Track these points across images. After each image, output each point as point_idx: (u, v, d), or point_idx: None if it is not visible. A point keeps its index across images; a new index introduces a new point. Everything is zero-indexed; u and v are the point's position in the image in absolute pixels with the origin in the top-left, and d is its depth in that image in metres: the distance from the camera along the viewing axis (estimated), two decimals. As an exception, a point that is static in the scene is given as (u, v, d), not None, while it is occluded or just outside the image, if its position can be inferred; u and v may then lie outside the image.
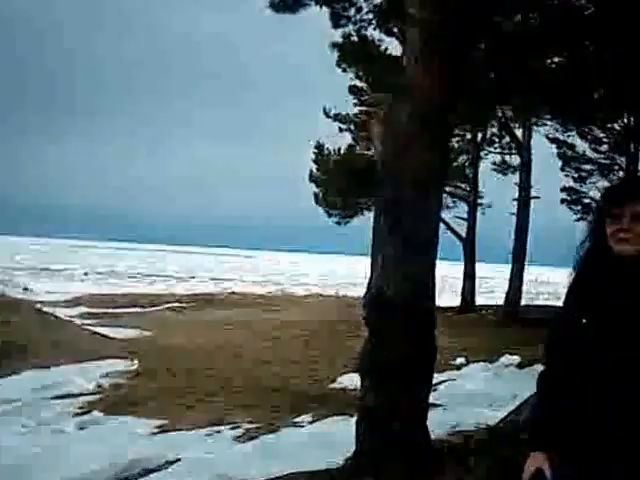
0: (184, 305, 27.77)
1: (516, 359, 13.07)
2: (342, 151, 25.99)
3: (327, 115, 25.66)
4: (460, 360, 13.70)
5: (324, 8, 12.65)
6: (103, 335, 16.74)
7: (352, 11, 12.83)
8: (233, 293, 37.02)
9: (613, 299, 2.51)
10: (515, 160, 25.77)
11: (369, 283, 6.39)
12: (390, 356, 6.01)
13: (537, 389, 2.84)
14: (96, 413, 9.62)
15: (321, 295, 37.04)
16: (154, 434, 8.58)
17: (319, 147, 26.34)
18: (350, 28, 14.03)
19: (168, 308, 26.67)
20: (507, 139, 25.84)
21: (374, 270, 6.31)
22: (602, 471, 2.45)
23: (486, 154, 26.88)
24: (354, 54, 18.41)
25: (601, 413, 2.45)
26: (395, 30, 14.53)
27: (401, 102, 6.32)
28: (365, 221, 26.59)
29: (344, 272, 77.69)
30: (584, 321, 2.56)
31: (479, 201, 26.54)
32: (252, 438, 8.02)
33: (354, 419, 6.89)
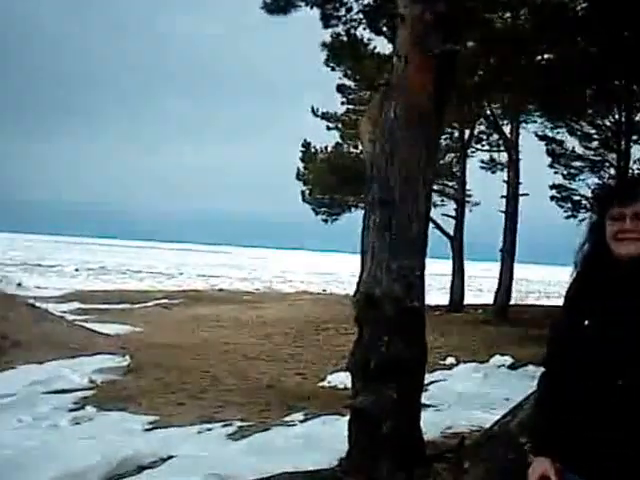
0: (173, 301, 27.73)
1: (507, 360, 13.01)
2: (329, 149, 26.06)
3: (315, 114, 25.75)
4: (450, 360, 13.65)
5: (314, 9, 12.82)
6: (94, 331, 16.70)
7: (342, 11, 12.95)
8: (221, 290, 37.04)
9: (615, 301, 2.52)
10: (503, 157, 25.80)
11: (358, 282, 6.42)
12: (380, 356, 6.04)
13: (538, 392, 2.83)
14: (89, 408, 9.61)
15: (308, 292, 37.05)
16: (147, 430, 8.57)
17: (306, 145, 26.40)
18: (340, 28, 14.15)
19: (158, 304, 26.63)
20: (495, 136, 25.88)
21: (364, 269, 6.34)
22: (611, 476, 2.44)
23: (474, 152, 26.93)
24: (343, 53, 18.48)
25: (609, 417, 2.44)
26: (384, 29, 14.58)
27: (391, 101, 6.35)
28: (352, 219, 26.69)
29: (331, 269, 77.70)
30: (586, 323, 2.57)
31: (467, 199, 26.57)
32: (244, 436, 8.04)
33: (345, 418, 6.91)
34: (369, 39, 17.37)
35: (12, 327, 14.38)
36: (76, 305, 25.15)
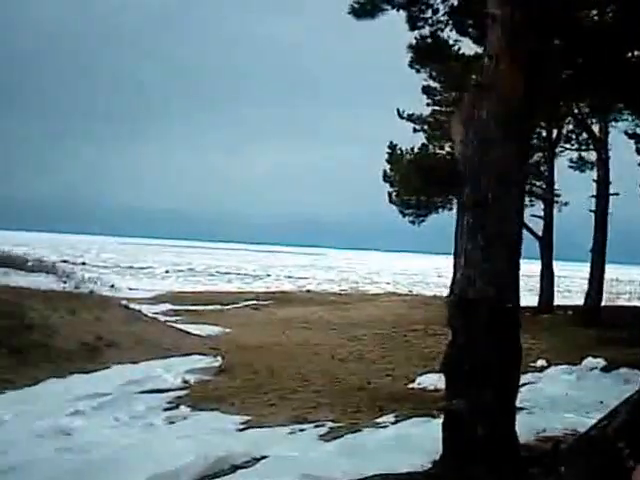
0: (262, 303, 27.94)
1: (600, 362, 12.58)
2: (415, 151, 25.93)
3: (400, 116, 25.68)
4: (541, 362, 13.30)
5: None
6: (186, 332, 16.97)
7: (428, 13, 12.86)
8: (309, 291, 37.22)
9: None
10: (592, 156, 25.19)
11: (452, 283, 6.34)
12: (475, 358, 5.94)
13: (638, 395, 2.73)
14: (183, 408, 9.79)
15: (395, 293, 36.87)
16: (239, 430, 8.66)
17: (392, 147, 26.31)
18: (426, 30, 14.02)
19: (247, 306, 26.87)
20: (584, 135, 25.31)
21: (458, 270, 6.25)
22: None
23: (562, 151, 26.39)
24: (429, 55, 18.33)
25: None
26: (470, 30, 14.40)
27: (482, 101, 6.26)
28: (439, 220, 26.53)
29: (416, 270, 77.38)
30: None
31: (555, 199, 26.05)
32: (336, 437, 8.01)
33: (436, 420, 6.83)
34: (456, 40, 17.18)
35: (107, 328, 14.75)
36: (167, 306, 25.60)
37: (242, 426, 8.81)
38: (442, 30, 14.41)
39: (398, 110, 25.44)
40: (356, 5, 11.71)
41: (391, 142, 26.02)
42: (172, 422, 9.14)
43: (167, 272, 54.22)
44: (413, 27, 13.51)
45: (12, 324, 13.62)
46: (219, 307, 26.19)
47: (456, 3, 12.85)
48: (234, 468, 7.04)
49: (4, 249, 33.25)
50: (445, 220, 26.89)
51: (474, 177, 6.14)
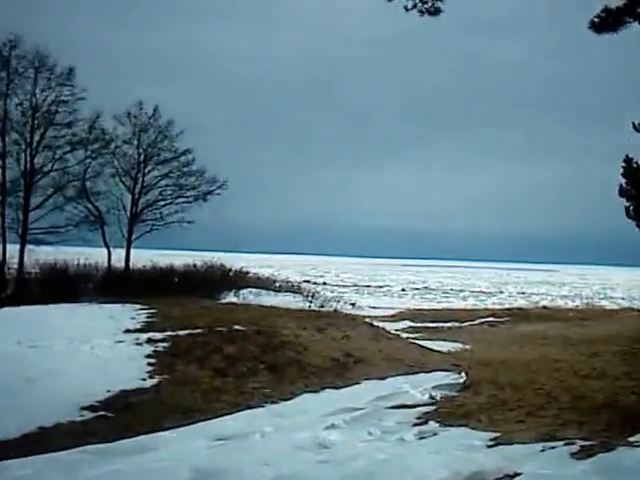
0: (499, 319, 27.46)
1: None
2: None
3: (636, 129, 24.41)
4: None
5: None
6: (427, 348, 16.97)
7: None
8: (544, 307, 36.21)
9: None
10: None
11: None
12: None
13: None
14: (432, 423, 9.70)
15: (632, 309, 34.98)
16: (489, 447, 8.43)
17: (628, 161, 25.06)
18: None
19: (484, 322, 26.51)
20: None
21: None
22: None
23: None
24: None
25: None
26: None
27: None
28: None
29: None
30: None
31: None
32: (589, 456, 7.61)
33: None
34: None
35: (354, 345, 15.07)
36: (407, 323, 25.80)
37: (491, 442, 8.58)
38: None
39: (634, 123, 24.22)
40: (596, 20, 11.25)
41: (627, 155, 24.75)
42: (422, 437, 9.08)
43: (403, 290, 54.83)
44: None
45: (269, 342, 14.24)
46: (456, 324, 26.02)
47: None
48: (487, 485, 6.89)
49: (254, 272, 34.99)
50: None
51: None
